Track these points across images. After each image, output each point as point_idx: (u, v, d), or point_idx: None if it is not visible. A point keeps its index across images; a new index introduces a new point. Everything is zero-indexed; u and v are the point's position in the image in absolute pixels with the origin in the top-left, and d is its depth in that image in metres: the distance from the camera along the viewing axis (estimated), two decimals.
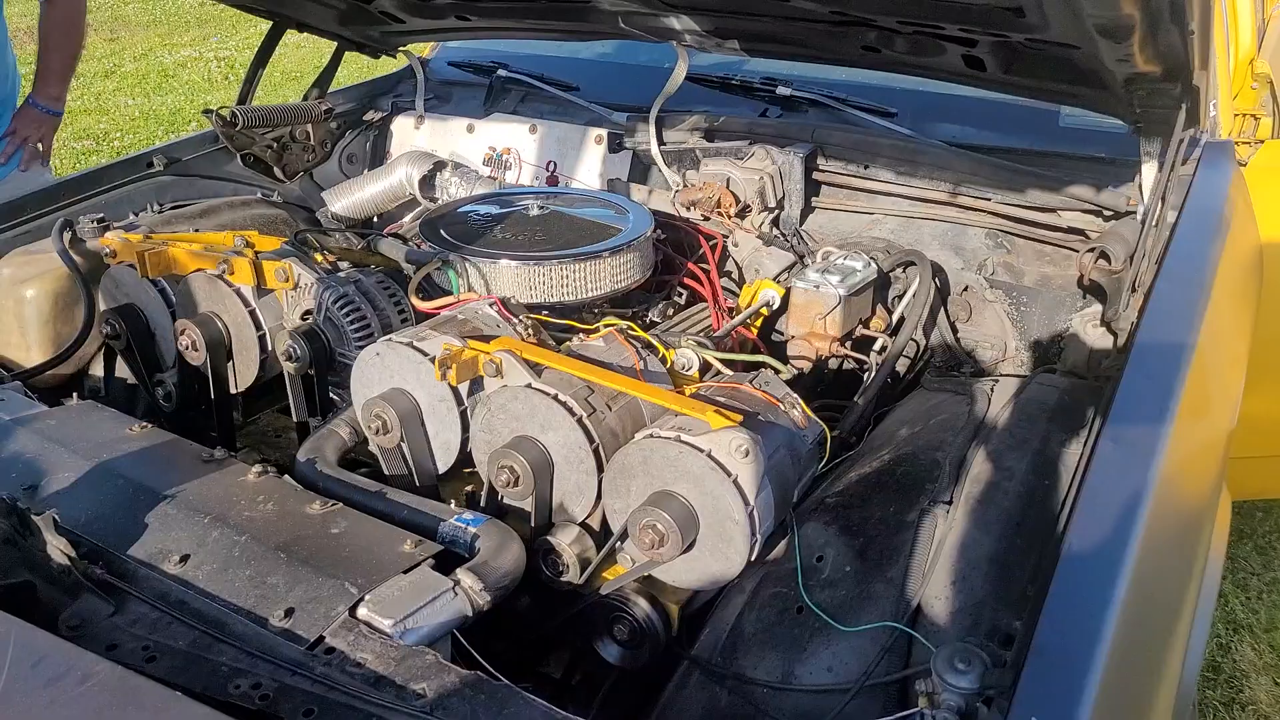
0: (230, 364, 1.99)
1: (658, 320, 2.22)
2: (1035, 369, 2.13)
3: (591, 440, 1.49)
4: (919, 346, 2.15)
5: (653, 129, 2.57)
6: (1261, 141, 2.57)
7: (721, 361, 1.70)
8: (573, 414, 1.49)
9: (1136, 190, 2.16)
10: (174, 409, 2.07)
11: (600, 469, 1.50)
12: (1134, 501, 1.21)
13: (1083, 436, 1.57)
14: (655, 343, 1.71)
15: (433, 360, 1.60)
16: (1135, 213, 2.09)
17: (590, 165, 2.80)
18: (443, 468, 1.68)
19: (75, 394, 1.75)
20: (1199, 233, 1.88)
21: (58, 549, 1.24)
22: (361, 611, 1.22)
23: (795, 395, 1.58)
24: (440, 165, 2.83)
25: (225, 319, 1.96)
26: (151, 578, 1.29)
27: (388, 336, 1.68)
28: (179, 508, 1.41)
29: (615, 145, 2.71)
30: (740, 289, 2.40)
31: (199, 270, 1.97)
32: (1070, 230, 2.22)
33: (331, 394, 1.93)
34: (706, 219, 2.46)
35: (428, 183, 2.83)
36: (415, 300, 1.90)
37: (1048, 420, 1.62)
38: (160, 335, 2.10)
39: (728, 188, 2.40)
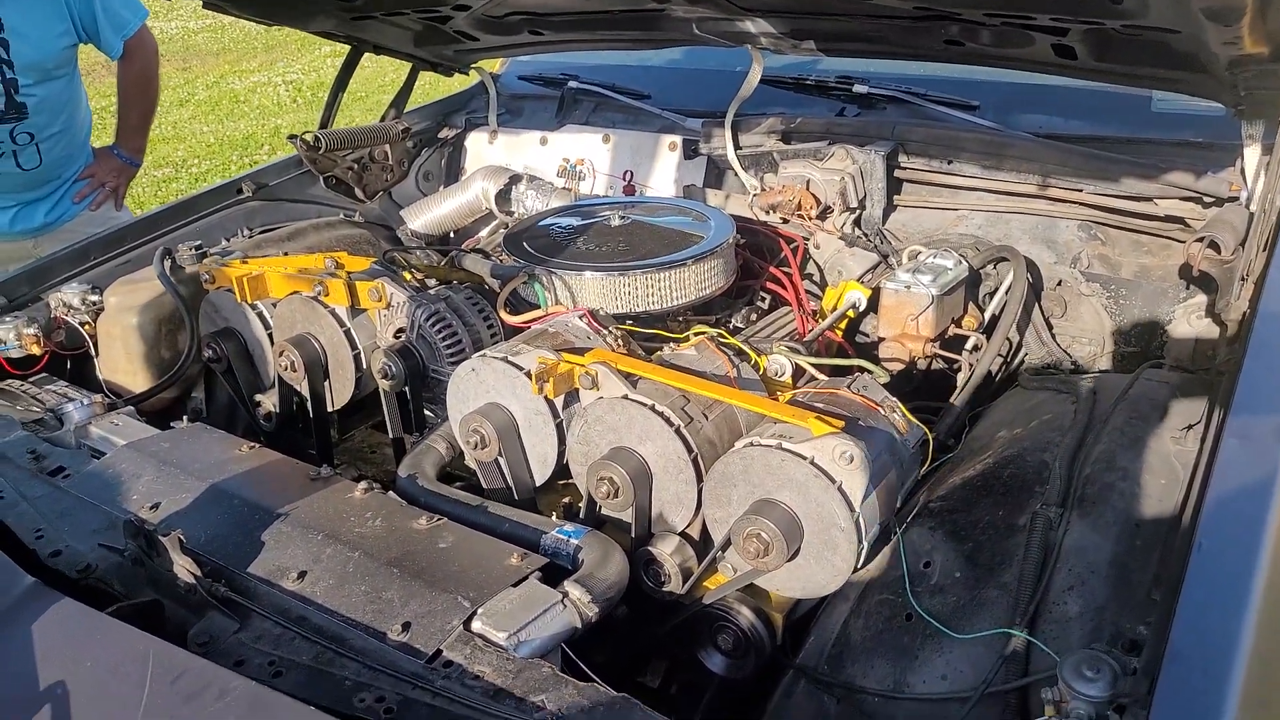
0: (327, 383, 2.04)
1: (741, 326, 2.22)
2: (1138, 364, 2.06)
3: (690, 450, 1.49)
4: (1013, 344, 2.10)
5: (729, 133, 2.56)
6: None
7: (815, 366, 1.69)
8: (670, 424, 1.49)
9: (1239, 175, 2.08)
10: (274, 428, 2.13)
11: (700, 478, 1.50)
12: (1263, 499, 1.16)
13: (1198, 433, 1.51)
14: (747, 349, 1.70)
15: (528, 374, 1.62)
16: (1238, 198, 2.01)
17: (665, 172, 2.80)
18: (540, 480, 1.69)
19: (184, 417, 1.81)
20: None
21: (184, 568, 1.28)
22: (475, 625, 1.24)
23: (894, 399, 1.55)
24: (515, 179, 2.86)
25: (321, 339, 2.01)
26: (272, 594, 1.33)
27: (482, 352, 1.70)
28: (292, 525, 1.45)
29: (690, 152, 2.71)
30: (823, 292, 2.37)
31: (295, 293, 2.03)
32: (1168, 219, 2.15)
33: (426, 410, 1.97)
34: (786, 222, 2.45)
35: (504, 196, 2.86)
36: (504, 315, 1.92)
37: (1160, 418, 1.56)
38: (259, 357, 2.17)
39: (808, 189, 2.38)
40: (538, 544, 1.48)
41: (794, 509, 1.39)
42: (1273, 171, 1.77)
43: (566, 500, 1.72)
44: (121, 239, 2.45)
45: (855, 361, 1.67)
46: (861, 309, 2.16)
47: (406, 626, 1.24)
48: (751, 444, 1.43)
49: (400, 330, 1.97)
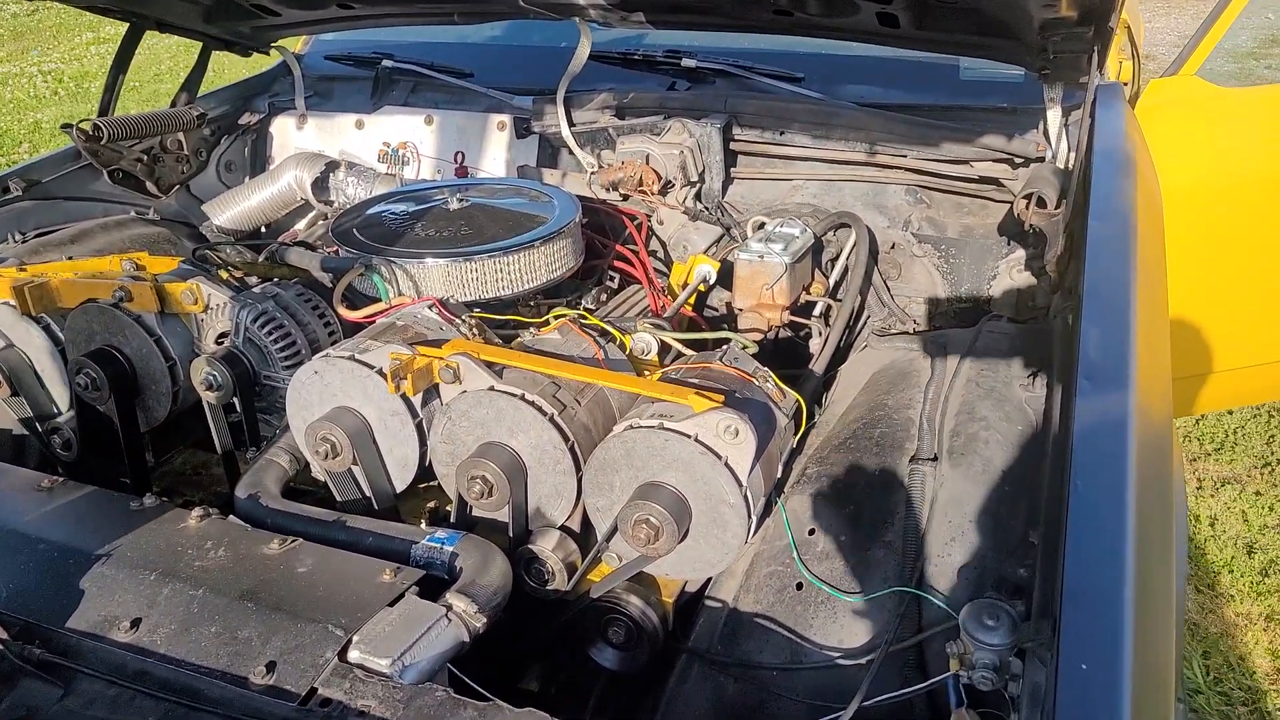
0: (138, 400, 1.80)
1: (592, 307, 2.15)
2: (971, 319, 2.16)
3: (566, 438, 1.41)
4: (855, 307, 2.15)
5: (561, 110, 2.48)
6: (1124, 84, 2.71)
7: (681, 341, 1.65)
8: (543, 413, 1.41)
9: (1042, 136, 2.22)
10: (75, 457, 1.87)
11: (578, 467, 1.42)
12: (1120, 436, 1.22)
13: (1043, 379, 1.59)
14: (610, 329, 1.64)
15: (380, 372, 1.49)
16: (1044, 158, 2.14)
17: (496, 153, 2.68)
18: (400, 486, 1.57)
19: None
20: (1113, 172, 1.93)
21: None
22: (353, 654, 1.12)
23: (765, 369, 1.54)
24: (332, 165, 2.66)
25: (127, 351, 1.77)
26: (101, 650, 1.14)
27: (324, 352, 1.55)
28: (117, 567, 1.26)
29: (522, 130, 2.60)
30: (669, 268, 2.35)
31: (90, 301, 1.78)
32: (984, 180, 2.26)
33: (260, 421, 1.78)
34: (626, 199, 2.40)
35: (321, 185, 2.66)
36: (342, 310, 1.76)
37: (1006, 367, 1.63)
38: (49, 376, 1.89)
39: (648, 164, 2.34)
40: (408, 555, 1.36)
41: (681, 490, 1.35)
42: (1087, 129, 1.89)
43: (432, 504, 1.60)
44: None
45: (721, 334, 1.65)
46: (712, 282, 2.15)
47: (271, 667, 1.10)
48: (631, 426, 1.37)
49: (223, 335, 1.77)
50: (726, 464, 1.32)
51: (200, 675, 1.10)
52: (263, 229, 2.82)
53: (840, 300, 2.02)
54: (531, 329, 1.66)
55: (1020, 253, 2.14)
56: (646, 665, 1.46)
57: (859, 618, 1.33)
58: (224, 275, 1.90)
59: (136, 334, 1.75)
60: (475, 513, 1.49)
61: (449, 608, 1.21)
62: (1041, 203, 1.80)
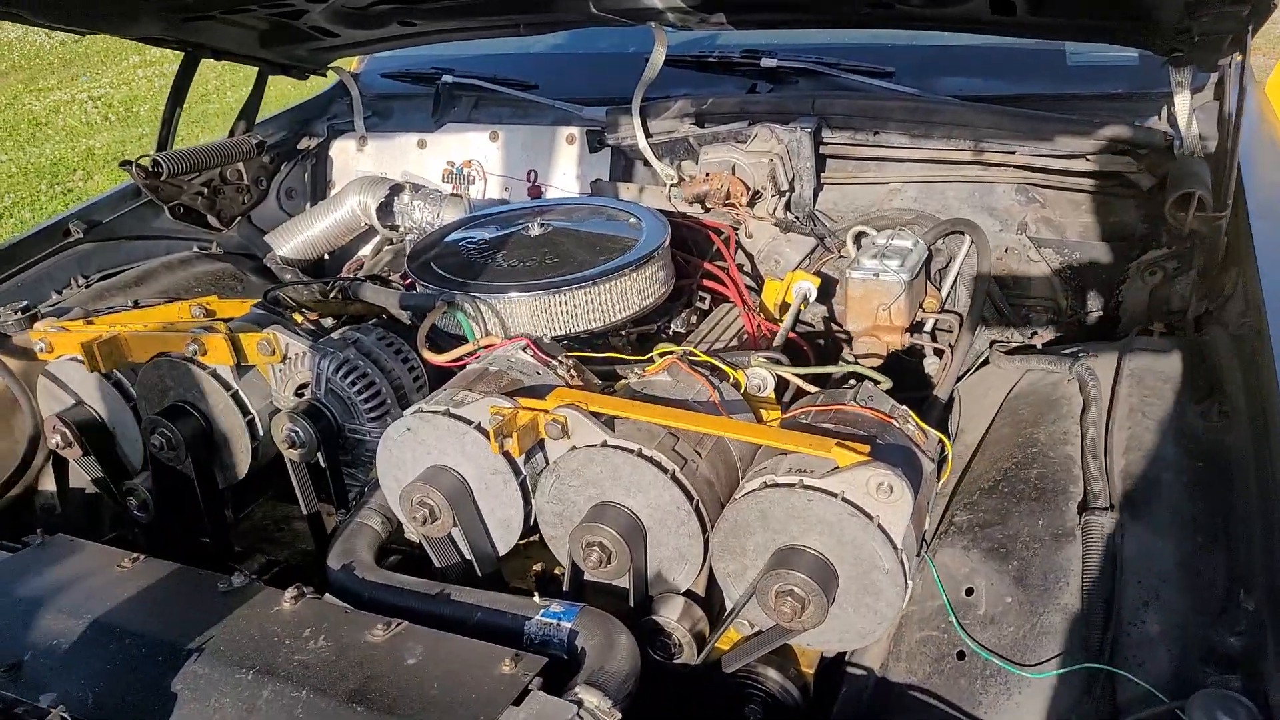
0: (215, 457, 1.70)
1: (681, 331, 2.01)
2: (1097, 330, 1.97)
3: (690, 497, 1.27)
4: (976, 323, 1.97)
5: (637, 120, 2.33)
6: None
7: (802, 377, 1.49)
8: (664, 470, 1.27)
9: (1167, 124, 2.02)
10: (151, 518, 1.77)
11: (705, 529, 1.28)
12: None
13: (1214, 404, 1.40)
14: (722, 366, 1.49)
15: (478, 428, 1.36)
16: (1171, 148, 1.94)
17: (566, 168, 2.55)
18: (504, 550, 1.43)
19: (40, 530, 1.44)
20: (1264, 163, 1.74)
21: None
22: None
23: (904, 408, 1.38)
24: (397, 189, 2.55)
25: (203, 408, 1.67)
26: None
27: (417, 407, 1.42)
28: (211, 665, 1.14)
29: (595, 144, 2.46)
30: (759, 285, 2.19)
31: (162, 355, 1.68)
32: (1103, 175, 2.07)
33: (345, 476, 1.67)
34: (708, 211, 2.25)
35: (385, 210, 2.55)
36: (427, 354, 1.64)
37: (1172, 391, 1.45)
38: (122, 435, 1.80)
39: (734, 175, 2.18)
40: (522, 633, 1.23)
41: (826, 554, 1.19)
42: (1233, 119, 1.69)
43: (538, 567, 1.47)
44: None
45: (849, 367, 1.49)
46: (813, 299, 1.99)
47: None
48: (766, 484, 1.21)
49: (302, 386, 1.65)
50: (879, 525, 1.16)
51: None
52: (325, 258, 2.73)
53: (960, 315, 1.84)
54: (635, 369, 1.51)
55: (1153, 254, 1.94)
56: None
57: (1037, 694, 1.16)
58: (298, 319, 1.79)
59: (213, 389, 1.65)
60: (588, 578, 1.35)
61: (580, 704, 1.07)
62: (1202, 204, 1.60)
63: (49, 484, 1.89)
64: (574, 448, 1.32)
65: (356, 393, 1.59)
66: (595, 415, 1.31)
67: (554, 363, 1.53)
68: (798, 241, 2.20)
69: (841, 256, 2.14)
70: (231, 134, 2.70)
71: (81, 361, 1.68)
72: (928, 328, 1.91)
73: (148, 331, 1.68)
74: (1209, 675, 1.07)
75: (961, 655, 1.24)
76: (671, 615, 1.31)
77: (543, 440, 1.36)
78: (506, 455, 1.36)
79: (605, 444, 1.29)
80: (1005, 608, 1.24)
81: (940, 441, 1.36)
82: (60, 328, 1.75)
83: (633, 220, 2.00)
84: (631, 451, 1.27)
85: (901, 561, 1.18)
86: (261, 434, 1.68)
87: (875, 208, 2.24)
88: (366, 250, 2.78)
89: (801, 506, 1.19)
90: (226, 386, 1.65)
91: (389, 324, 1.76)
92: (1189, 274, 1.85)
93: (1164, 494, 1.26)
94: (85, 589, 1.29)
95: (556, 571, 1.46)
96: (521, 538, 1.45)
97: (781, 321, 1.99)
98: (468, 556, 1.44)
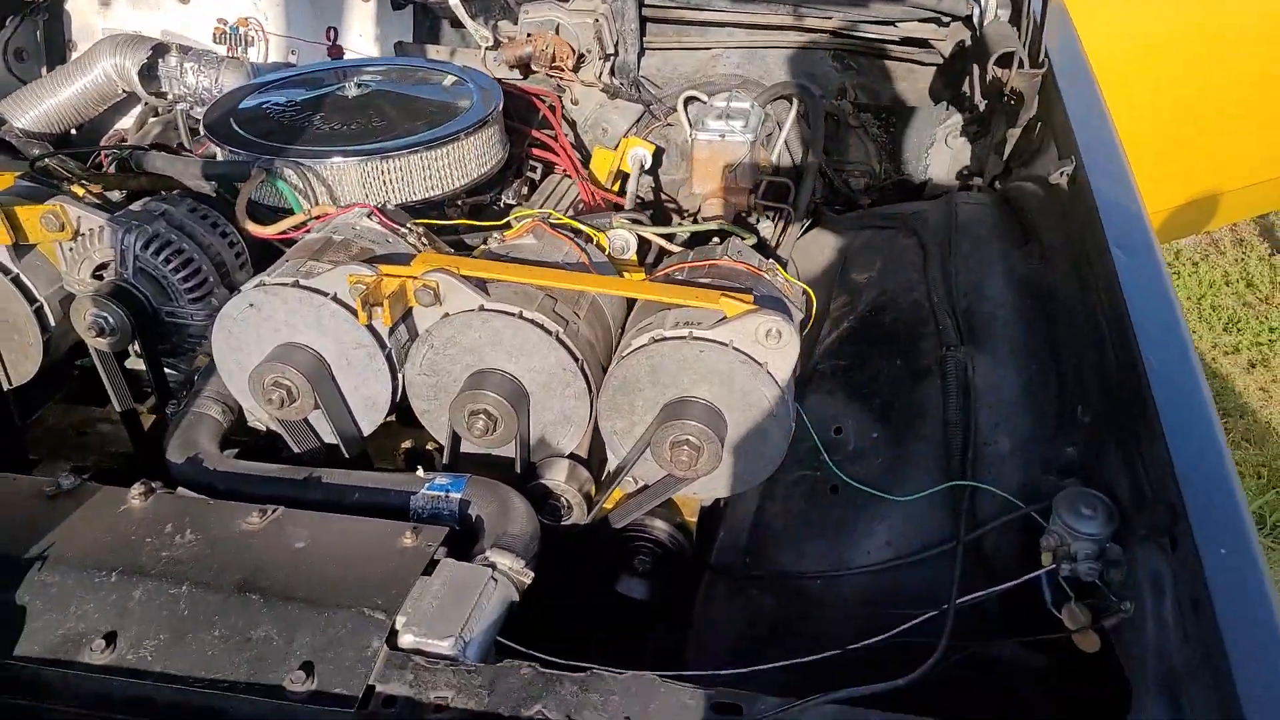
0: None
1: (513, 202, 1.93)
2: (914, 191, 2.11)
3: (575, 358, 1.24)
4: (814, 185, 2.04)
5: None
6: None
7: (663, 237, 1.48)
8: (548, 332, 1.23)
9: None
10: None
11: (590, 390, 1.26)
12: (1170, 310, 1.19)
13: (1033, 248, 1.54)
14: (585, 228, 1.45)
15: (334, 299, 1.25)
16: (971, 15, 2.07)
17: (361, 29, 2.34)
18: (369, 429, 1.35)
19: None
20: (1059, 25, 1.89)
21: None
22: (405, 639, 0.94)
23: (772, 261, 1.41)
24: (161, 49, 2.23)
25: None
26: (74, 678, 0.91)
27: (258, 280, 1.27)
28: (60, 572, 1.00)
29: (398, 1, 2.26)
30: (586, 153, 2.14)
31: None
32: (909, 42, 2.17)
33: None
34: (528, 75, 2.15)
35: (149, 75, 2.23)
36: (252, 227, 1.47)
37: (996, 240, 1.58)
38: None
39: (559, 36, 2.09)
40: (408, 509, 1.18)
41: (716, 403, 1.22)
42: None
43: (407, 444, 1.39)
44: None
45: (711, 225, 1.50)
46: (648, 166, 1.97)
47: (309, 669, 0.91)
48: (654, 339, 1.21)
49: (101, 267, 1.44)
50: (768, 371, 1.20)
51: (220, 693, 0.89)
52: (72, 132, 2.37)
53: (788, 179, 1.89)
54: (495, 235, 1.44)
55: (957, 118, 2.09)
56: (674, 592, 1.35)
57: (907, 517, 1.27)
58: (79, 191, 1.54)
59: None
60: (469, 448, 1.30)
61: (492, 566, 1.05)
62: (1022, 64, 1.72)
63: None
64: (447, 314, 1.25)
65: (173, 270, 1.41)
66: (470, 279, 1.24)
67: (403, 230, 1.43)
68: (625, 108, 2.16)
69: (668, 124, 2.13)
70: None
71: None
72: (761, 189, 1.95)
73: None
74: (1053, 482, 1.21)
75: (834, 489, 1.32)
76: (559, 478, 1.29)
77: (410, 310, 1.27)
78: (370, 328, 1.26)
79: (483, 308, 1.23)
80: (872, 442, 1.34)
81: (805, 292, 1.41)
82: None
83: (451, 81, 1.87)
84: (513, 314, 1.22)
85: (786, 404, 1.23)
86: (52, 325, 1.46)
87: (699, 74, 2.23)
88: (127, 122, 2.43)
89: (693, 358, 1.19)
90: (5, 270, 1.40)
91: (200, 196, 1.56)
92: (987, 137, 2.01)
93: (1001, 330, 1.39)
94: None
95: (428, 448, 1.39)
96: (386, 415, 1.37)
97: (614, 190, 1.96)
98: (329, 440, 1.34)
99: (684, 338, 1.19)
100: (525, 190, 1.97)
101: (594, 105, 2.16)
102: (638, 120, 2.17)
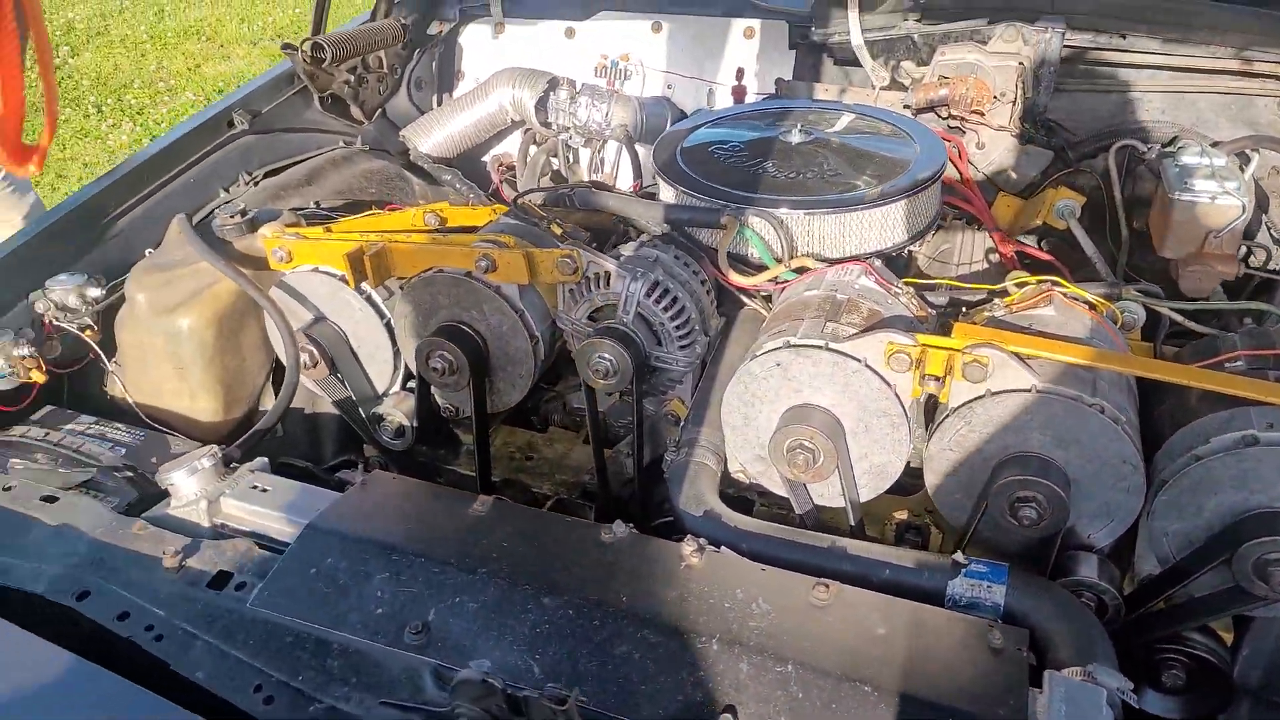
0: (490, 383, 1.54)
1: (930, 255, 1.86)
2: None
3: (1137, 449, 1.15)
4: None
5: (854, 13, 2.12)
6: None
7: (1179, 312, 1.37)
8: (1116, 422, 1.14)
9: None
10: (407, 445, 1.62)
11: (1145, 484, 1.17)
12: None
13: None
14: (1095, 300, 1.35)
15: (863, 363, 1.22)
16: None
17: (742, 66, 2.34)
18: (867, 497, 1.31)
19: (360, 465, 1.28)
20: None
21: None
22: None
23: None
24: (554, 83, 2.32)
25: (482, 329, 1.49)
26: None
27: (783, 340, 1.26)
28: (660, 632, 1.01)
29: (798, 39, 2.24)
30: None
31: (435, 270, 1.49)
32: None
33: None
34: (944, 119, 2.07)
35: (540, 106, 2.32)
36: (733, 277, 1.48)
37: None
38: (367, 355, 1.62)
39: (978, 79, 2.00)
40: (943, 594, 1.13)
41: None
42: None
43: (901, 515, 1.35)
44: (100, 208, 1.76)
45: (1247, 304, 1.37)
46: (1078, 217, 1.85)
47: None
48: (1246, 441, 1.10)
49: (598, 310, 1.48)
50: None
51: None
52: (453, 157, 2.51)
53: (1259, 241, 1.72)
54: (997, 300, 1.37)
55: None
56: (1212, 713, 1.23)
57: None
58: (555, 230, 1.61)
59: (497, 309, 1.47)
60: (990, 534, 1.24)
61: (1093, 680, 0.97)
62: None
63: (267, 403, 1.71)
64: (990, 392, 1.19)
65: (670, 318, 1.43)
66: (1020, 357, 1.18)
67: (895, 289, 1.39)
68: (1035, 154, 2.05)
69: (1082, 171, 1.99)
70: (373, 17, 2.42)
71: (333, 274, 1.49)
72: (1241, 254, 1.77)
73: (420, 244, 1.49)
74: None
75: None
76: (1089, 573, 1.21)
77: (940, 380, 1.22)
78: (897, 397, 1.23)
79: (1036, 389, 1.16)
80: None
81: None
82: (296, 235, 1.55)
83: (887, 129, 1.82)
84: (1072, 399, 1.15)
85: None
86: (542, 358, 1.52)
87: (1116, 118, 2.08)
88: (506, 149, 2.56)
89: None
90: (515, 308, 1.47)
91: (681, 244, 1.57)
92: None
93: None
94: (444, 534, 1.15)
95: (925, 522, 1.35)
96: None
97: (1023, 241, 1.86)
98: (837, 504, 1.31)
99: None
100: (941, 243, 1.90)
101: (1001, 150, 2.05)
102: (1047, 166, 2.05)
